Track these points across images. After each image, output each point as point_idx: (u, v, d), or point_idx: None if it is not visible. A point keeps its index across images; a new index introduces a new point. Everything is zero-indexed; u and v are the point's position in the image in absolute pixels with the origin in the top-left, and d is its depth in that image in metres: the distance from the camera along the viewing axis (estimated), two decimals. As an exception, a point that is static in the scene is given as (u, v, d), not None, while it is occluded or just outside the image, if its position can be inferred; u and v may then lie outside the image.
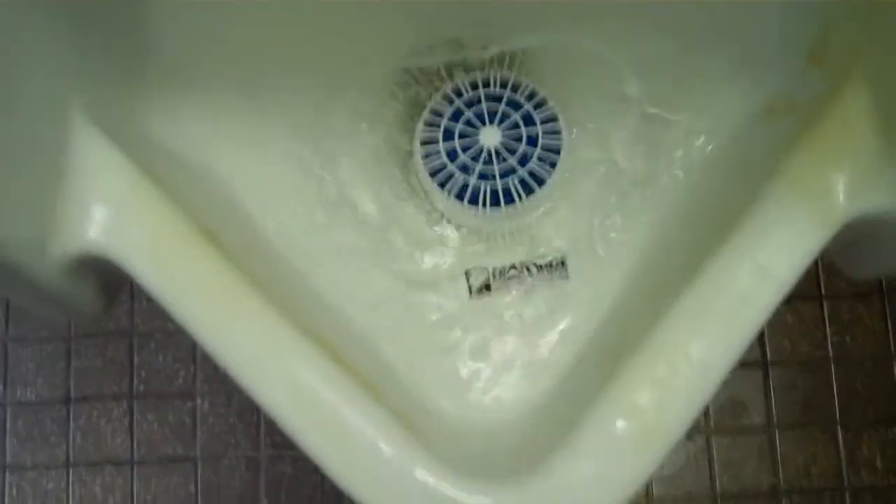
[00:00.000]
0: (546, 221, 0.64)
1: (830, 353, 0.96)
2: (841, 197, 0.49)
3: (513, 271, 0.63)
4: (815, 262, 0.49)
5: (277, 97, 0.64)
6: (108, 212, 0.49)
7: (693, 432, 0.95)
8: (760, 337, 0.96)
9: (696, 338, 0.47)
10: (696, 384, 0.47)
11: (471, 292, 0.63)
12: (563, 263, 0.63)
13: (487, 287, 0.63)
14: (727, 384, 0.93)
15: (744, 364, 0.93)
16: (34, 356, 0.96)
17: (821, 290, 0.97)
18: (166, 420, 0.95)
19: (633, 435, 0.46)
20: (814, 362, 0.96)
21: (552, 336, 0.61)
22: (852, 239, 0.52)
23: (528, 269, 0.63)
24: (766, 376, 0.96)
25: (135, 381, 0.96)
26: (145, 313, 0.96)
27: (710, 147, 0.63)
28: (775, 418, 0.95)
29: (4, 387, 0.96)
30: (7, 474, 0.95)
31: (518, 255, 0.63)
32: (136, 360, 0.96)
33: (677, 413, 0.47)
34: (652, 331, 0.48)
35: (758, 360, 0.96)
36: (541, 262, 0.63)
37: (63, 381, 0.96)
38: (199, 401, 0.95)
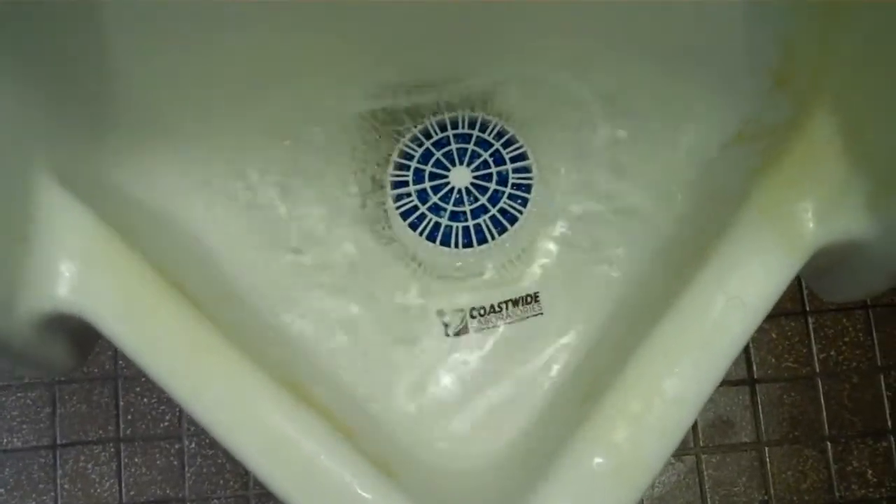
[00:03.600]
0: (519, 258, 0.64)
1: (817, 368, 0.96)
2: (811, 224, 0.49)
3: (488, 309, 0.63)
4: (798, 278, 0.49)
5: (245, 145, 0.64)
6: (75, 268, 0.48)
7: (682, 452, 0.95)
8: (746, 354, 0.96)
9: (669, 372, 0.47)
10: (671, 418, 0.47)
11: (447, 332, 0.62)
12: (536, 299, 0.63)
13: (463, 326, 0.63)
14: (714, 402, 0.94)
15: (731, 382, 0.95)
16: (18, 403, 0.96)
17: (805, 305, 0.97)
18: (154, 462, 0.95)
19: (609, 472, 0.46)
20: (800, 378, 0.96)
21: (528, 373, 0.61)
22: (825, 264, 0.52)
23: (502, 307, 0.63)
24: (753, 393, 0.96)
25: (121, 425, 0.96)
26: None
27: (683, 175, 0.63)
28: (764, 435, 0.95)
29: (-10, 435, 0.96)
30: (-4, 523, 0.95)
31: (492, 293, 0.63)
32: (121, 403, 0.96)
33: (653, 448, 0.47)
34: (626, 366, 0.48)
35: (744, 377, 0.96)
36: (515, 298, 0.63)
37: (49, 427, 0.96)
38: (186, 442, 0.95)
